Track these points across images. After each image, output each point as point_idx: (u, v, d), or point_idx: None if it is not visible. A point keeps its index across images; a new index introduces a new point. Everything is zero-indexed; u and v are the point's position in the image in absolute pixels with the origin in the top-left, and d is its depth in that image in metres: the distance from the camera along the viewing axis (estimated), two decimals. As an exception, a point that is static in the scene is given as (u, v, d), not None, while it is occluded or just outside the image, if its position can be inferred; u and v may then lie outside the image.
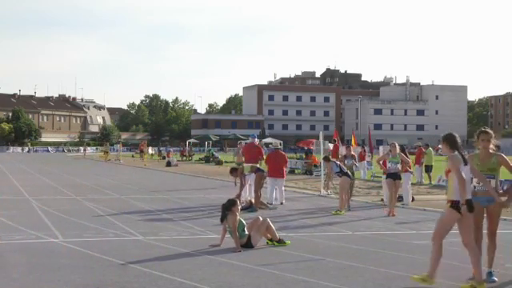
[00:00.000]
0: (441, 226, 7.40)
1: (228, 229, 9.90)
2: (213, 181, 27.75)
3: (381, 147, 30.55)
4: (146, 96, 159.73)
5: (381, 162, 16.12)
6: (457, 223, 7.32)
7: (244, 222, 10.08)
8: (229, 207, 9.98)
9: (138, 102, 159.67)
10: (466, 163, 7.31)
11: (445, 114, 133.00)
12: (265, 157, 17.60)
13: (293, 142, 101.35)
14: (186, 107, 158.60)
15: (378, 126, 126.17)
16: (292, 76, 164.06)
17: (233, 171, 16.92)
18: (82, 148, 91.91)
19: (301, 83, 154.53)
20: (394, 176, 15.48)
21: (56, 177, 29.23)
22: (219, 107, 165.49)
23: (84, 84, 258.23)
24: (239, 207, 10.23)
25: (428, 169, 26.96)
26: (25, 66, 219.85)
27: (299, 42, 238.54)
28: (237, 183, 16.67)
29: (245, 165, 16.90)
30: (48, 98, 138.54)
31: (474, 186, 7.57)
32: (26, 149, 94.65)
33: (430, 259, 7.38)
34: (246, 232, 9.88)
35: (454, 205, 7.23)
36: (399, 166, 15.60)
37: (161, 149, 72.70)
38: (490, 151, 7.65)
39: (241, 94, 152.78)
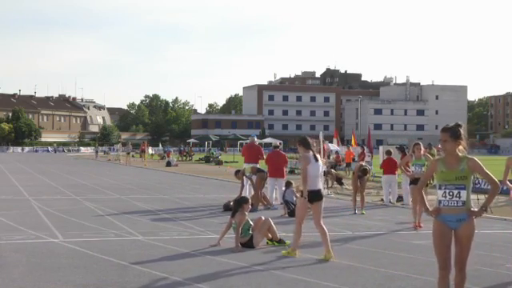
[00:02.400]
0: (298, 212, 9.34)
1: (233, 225, 9.94)
2: (213, 181, 27.75)
3: (380, 147, 30.56)
4: (146, 96, 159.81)
5: (402, 167, 14.07)
6: (312, 209, 9.16)
7: (250, 221, 10.13)
8: (240, 204, 10.12)
9: (138, 102, 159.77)
10: (316, 160, 9.18)
11: (445, 114, 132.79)
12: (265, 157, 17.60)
13: (293, 142, 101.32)
14: (186, 107, 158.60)
15: (377, 126, 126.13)
16: (292, 76, 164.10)
17: (238, 173, 16.95)
18: (92, 148, 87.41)
19: (301, 83, 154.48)
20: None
21: (56, 177, 29.23)
22: (219, 107, 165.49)
23: (84, 84, 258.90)
24: (249, 206, 10.39)
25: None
26: (25, 66, 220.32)
27: (299, 41, 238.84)
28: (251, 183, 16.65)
29: (245, 165, 16.90)
30: (48, 98, 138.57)
31: (440, 201, 5.84)
32: (27, 149, 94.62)
33: (293, 236, 9.29)
34: (251, 231, 9.93)
35: (302, 195, 9.18)
36: (424, 170, 13.18)
37: (166, 149, 69.12)
38: (460, 154, 5.83)
39: (241, 93, 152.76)
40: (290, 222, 13.26)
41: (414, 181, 13.37)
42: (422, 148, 13.79)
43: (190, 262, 8.58)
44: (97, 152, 70.48)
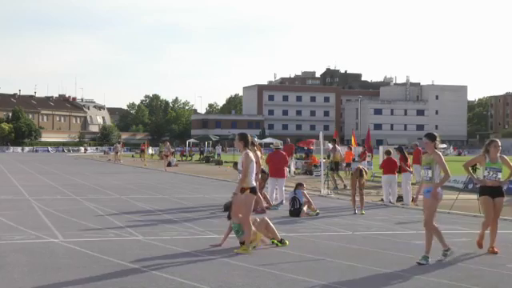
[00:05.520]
0: (247, 209, 9.52)
1: (233, 226, 9.91)
2: (213, 181, 27.74)
3: (380, 147, 30.54)
4: (146, 96, 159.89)
5: (469, 169, 10.47)
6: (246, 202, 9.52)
7: None
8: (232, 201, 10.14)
9: (138, 102, 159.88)
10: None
11: (445, 114, 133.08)
12: (265, 157, 17.61)
13: (293, 142, 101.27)
14: (186, 107, 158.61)
15: (377, 126, 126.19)
16: (292, 76, 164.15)
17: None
18: (109, 148, 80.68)
19: (301, 83, 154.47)
20: (493, 192, 9.70)
21: (56, 177, 29.22)
22: (219, 107, 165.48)
23: (84, 84, 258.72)
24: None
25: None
26: (25, 66, 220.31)
27: (299, 41, 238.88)
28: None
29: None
30: (48, 98, 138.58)
31: None
32: (27, 149, 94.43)
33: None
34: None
35: (252, 190, 9.54)
36: (500, 177, 9.79)
37: (175, 149, 64.77)
38: None
39: (241, 94, 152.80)
40: (290, 222, 13.27)
41: (485, 189, 9.83)
42: (500, 148, 9.98)
43: (190, 262, 8.57)
44: (117, 153, 52.12)
